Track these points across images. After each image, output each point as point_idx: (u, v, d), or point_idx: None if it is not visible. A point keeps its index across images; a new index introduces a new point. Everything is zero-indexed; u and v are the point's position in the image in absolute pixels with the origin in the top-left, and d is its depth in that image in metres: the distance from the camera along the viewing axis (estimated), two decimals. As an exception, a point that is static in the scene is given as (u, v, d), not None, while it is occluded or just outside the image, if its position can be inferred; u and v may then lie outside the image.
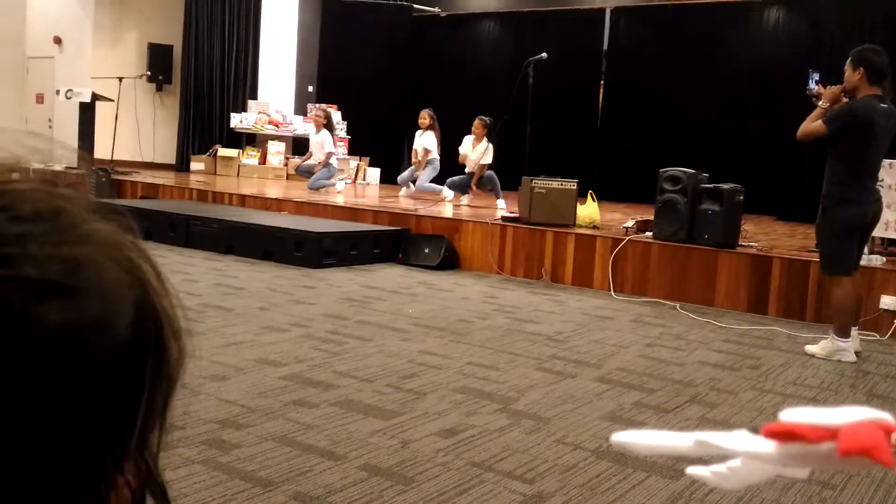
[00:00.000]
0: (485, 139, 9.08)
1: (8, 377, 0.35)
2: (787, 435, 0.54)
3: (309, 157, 10.45)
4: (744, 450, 0.56)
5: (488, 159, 9.10)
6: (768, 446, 0.56)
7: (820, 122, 4.43)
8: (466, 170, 9.24)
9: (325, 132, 10.13)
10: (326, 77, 13.78)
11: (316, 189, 9.84)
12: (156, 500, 0.45)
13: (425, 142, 9.71)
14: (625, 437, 0.59)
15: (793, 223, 9.16)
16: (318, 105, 12.85)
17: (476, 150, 9.13)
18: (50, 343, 0.36)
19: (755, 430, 0.57)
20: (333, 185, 10.03)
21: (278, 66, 13.53)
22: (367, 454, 2.75)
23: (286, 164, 12.51)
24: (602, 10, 12.24)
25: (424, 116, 9.79)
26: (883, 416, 0.54)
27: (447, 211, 8.20)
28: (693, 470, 0.61)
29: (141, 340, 0.40)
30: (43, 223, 0.38)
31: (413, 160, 10.00)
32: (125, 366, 0.39)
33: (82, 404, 0.37)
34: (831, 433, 0.53)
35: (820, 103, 4.51)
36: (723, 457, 0.58)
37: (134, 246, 0.43)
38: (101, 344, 0.38)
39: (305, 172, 10.29)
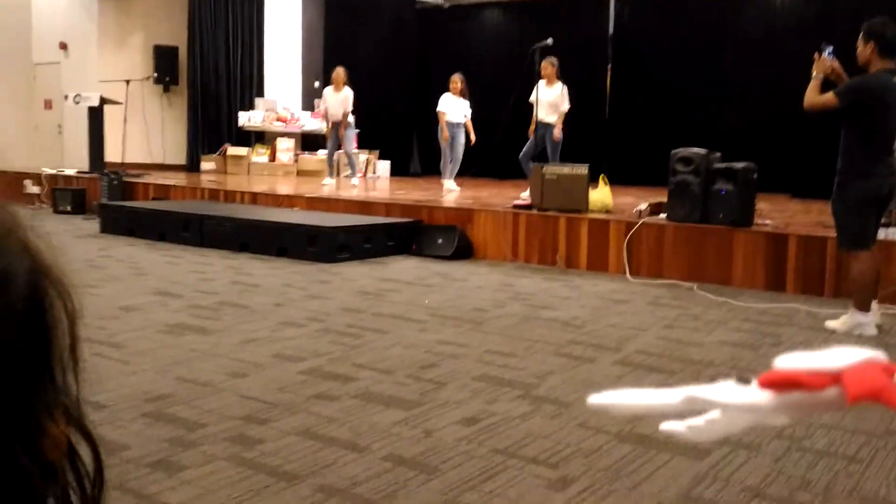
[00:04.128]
0: (558, 82, 8.47)
1: None
2: (786, 384, 0.52)
3: (329, 129, 10.03)
4: (737, 402, 0.54)
5: (567, 105, 8.47)
6: (764, 397, 0.53)
7: (831, 93, 4.38)
8: (539, 117, 8.39)
9: (346, 89, 9.82)
10: (332, 71, 13.76)
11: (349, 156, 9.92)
12: (87, 445, 0.50)
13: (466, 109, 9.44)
14: (603, 399, 0.56)
15: (807, 200, 9.08)
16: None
17: (552, 94, 8.39)
18: None
19: (744, 381, 0.55)
20: (351, 178, 10.04)
21: (284, 63, 13.54)
22: (389, 445, 2.75)
23: (296, 161, 12.52)
24: (607, -6, 12.16)
25: (456, 81, 9.41)
26: (878, 355, 0.52)
27: (459, 201, 8.18)
28: (668, 426, 0.58)
29: (37, 291, 0.46)
30: None
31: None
32: (29, 312, 0.45)
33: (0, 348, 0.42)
34: (833, 378, 0.51)
35: (814, 74, 4.47)
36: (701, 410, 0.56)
37: (25, 226, 0.48)
38: (7, 292, 0.44)
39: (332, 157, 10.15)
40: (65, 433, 0.46)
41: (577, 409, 3.18)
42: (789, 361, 0.54)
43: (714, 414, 0.55)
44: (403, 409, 3.12)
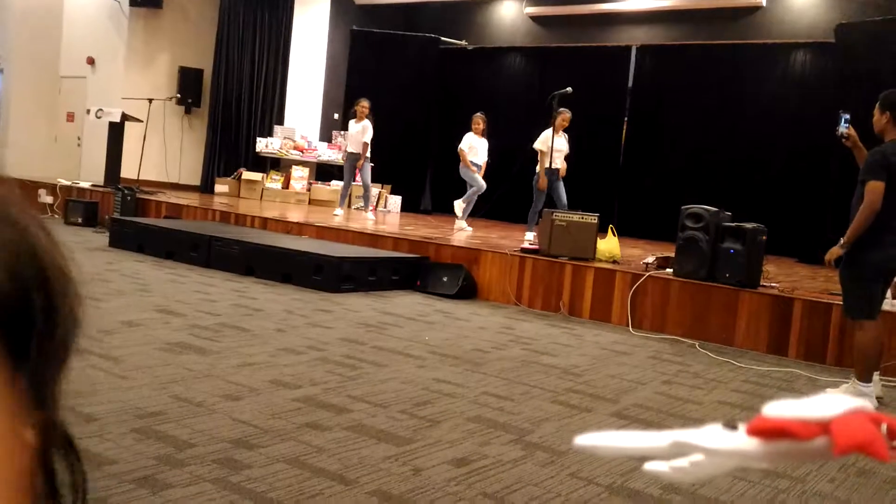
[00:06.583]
0: (562, 133, 8.65)
1: None
2: (774, 432, 0.53)
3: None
4: (724, 448, 0.55)
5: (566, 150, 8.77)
6: (752, 444, 0.54)
7: (869, 188, 4.23)
8: (547, 165, 8.52)
9: (366, 121, 9.91)
10: (353, 105, 13.93)
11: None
12: (63, 452, 0.46)
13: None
14: (589, 440, 0.57)
15: (815, 266, 9.06)
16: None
17: (560, 143, 8.60)
18: None
19: (731, 426, 0.55)
20: (365, 210, 10.14)
21: (306, 94, 13.70)
22: (377, 480, 2.73)
23: (309, 189, 12.61)
24: (628, 48, 12.32)
25: (479, 121, 9.49)
26: (866, 405, 0.53)
27: (467, 240, 8.20)
28: (651, 466, 0.58)
29: (21, 282, 0.41)
30: None
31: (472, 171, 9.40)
32: (7, 303, 0.40)
33: None
34: (821, 427, 0.52)
35: (841, 242, 4.39)
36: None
37: (21, 206, 0.43)
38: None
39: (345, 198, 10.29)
40: (37, 437, 0.42)
41: (570, 458, 3.14)
42: (778, 409, 0.54)
43: (699, 456, 0.56)
44: (395, 445, 3.09)
